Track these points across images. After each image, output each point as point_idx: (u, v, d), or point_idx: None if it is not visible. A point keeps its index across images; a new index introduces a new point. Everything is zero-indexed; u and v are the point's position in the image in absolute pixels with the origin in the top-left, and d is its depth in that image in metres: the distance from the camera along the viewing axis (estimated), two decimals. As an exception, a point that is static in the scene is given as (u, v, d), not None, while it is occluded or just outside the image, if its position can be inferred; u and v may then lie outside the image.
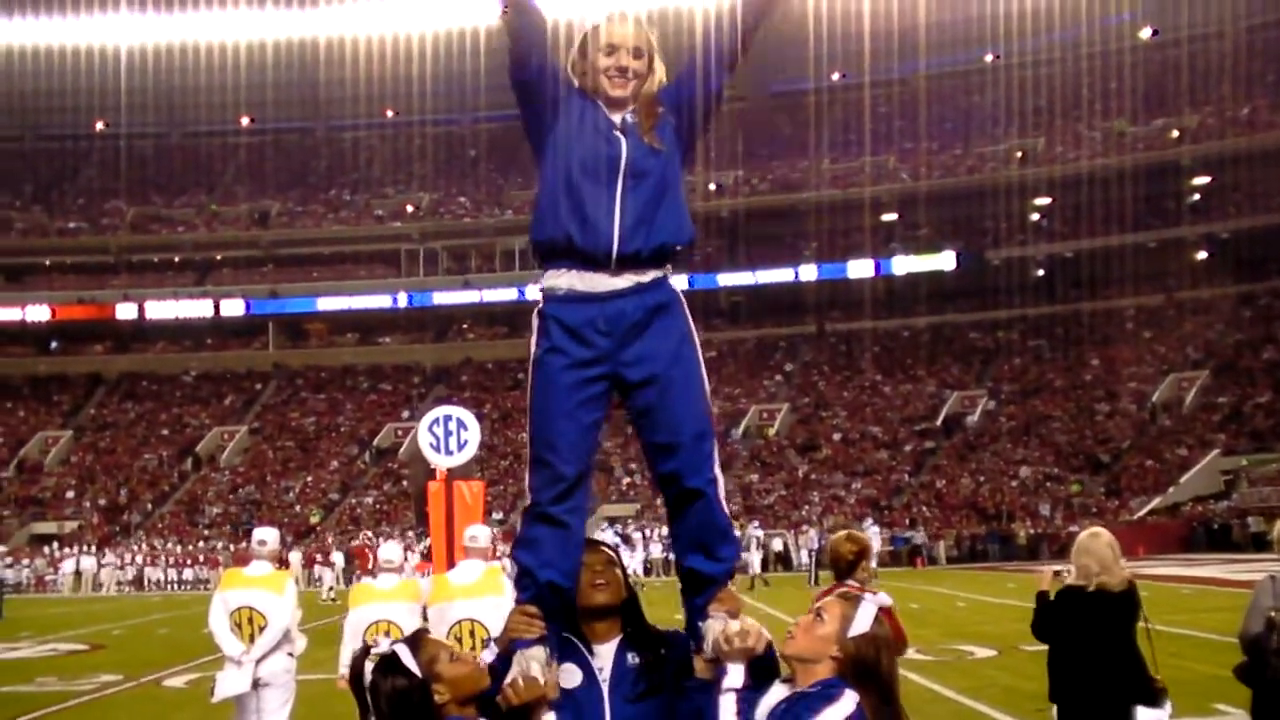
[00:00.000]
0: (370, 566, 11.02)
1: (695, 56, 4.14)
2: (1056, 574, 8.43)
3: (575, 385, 3.96)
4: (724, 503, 4.10)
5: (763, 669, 3.84)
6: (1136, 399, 63.52)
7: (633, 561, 40.03)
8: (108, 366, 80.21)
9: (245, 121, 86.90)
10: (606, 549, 4.23)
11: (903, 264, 72.07)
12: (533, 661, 3.82)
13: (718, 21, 4.14)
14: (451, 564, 11.13)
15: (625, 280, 3.99)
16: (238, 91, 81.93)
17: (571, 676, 4.00)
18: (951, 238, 72.20)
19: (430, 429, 12.56)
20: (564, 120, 4.07)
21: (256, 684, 10.45)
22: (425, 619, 9.97)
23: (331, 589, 44.38)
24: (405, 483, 63.05)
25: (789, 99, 72.98)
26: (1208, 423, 60.17)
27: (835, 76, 75.31)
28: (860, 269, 72.06)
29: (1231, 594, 23.78)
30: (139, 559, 59.42)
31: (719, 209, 73.56)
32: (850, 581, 8.06)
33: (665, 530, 38.60)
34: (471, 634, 9.35)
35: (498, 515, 53.42)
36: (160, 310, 77.82)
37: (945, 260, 71.23)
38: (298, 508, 66.62)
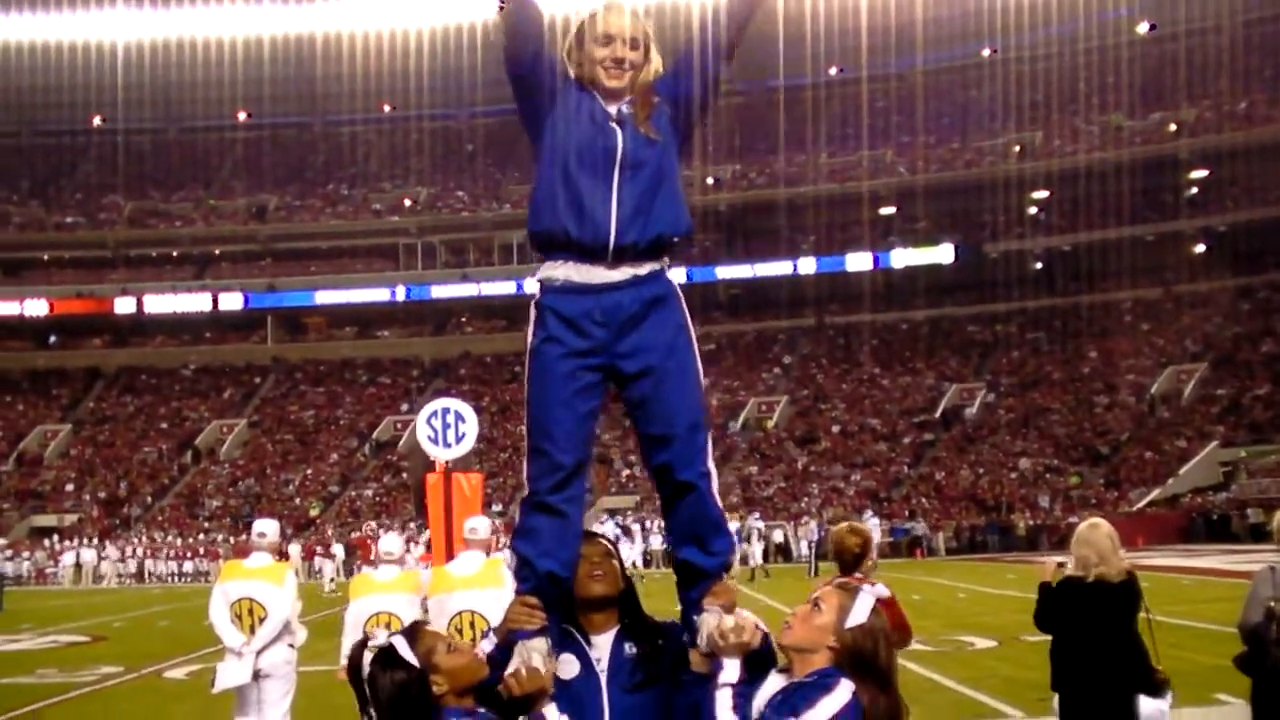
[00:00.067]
0: (373, 558, 11.04)
1: (691, 46, 4.13)
2: (1059, 565, 8.44)
3: (571, 374, 3.97)
4: (717, 496, 4.10)
5: (759, 662, 3.86)
6: (1135, 391, 63.55)
7: (632, 553, 40.04)
8: (106, 360, 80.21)
9: (242, 116, 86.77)
10: (604, 540, 4.23)
11: (901, 257, 72.09)
12: (534, 653, 3.83)
13: (714, 11, 4.13)
14: (451, 555, 11.14)
15: (622, 273, 3.99)
16: (235, 86, 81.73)
17: (569, 667, 4.01)
18: (950, 231, 72.21)
19: (428, 421, 12.56)
20: (560, 112, 4.06)
21: (257, 675, 10.47)
22: (426, 611, 9.99)
23: (333, 580, 44.39)
24: (405, 475, 63.06)
25: (787, 93, 72.90)
26: (1206, 415, 60.23)
27: (833, 71, 75.25)
28: (859, 262, 72.07)
29: (1231, 584, 23.79)
30: (139, 551, 59.46)
31: (717, 203, 73.58)
32: (857, 574, 8.09)
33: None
34: (472, 625, 9.35)
35: (497, 507, 53.43)
36: (158, 304, 77.80)
37: (943, 253, 71.22)
38: (297, 500, 66.66)
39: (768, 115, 75.40)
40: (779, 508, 58.73)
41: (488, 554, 10.20)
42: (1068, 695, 8.16)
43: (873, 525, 43.75)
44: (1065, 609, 8.16)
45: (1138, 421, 62.07)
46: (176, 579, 56.87)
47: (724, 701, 3.71)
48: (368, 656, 3.78)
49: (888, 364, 71.49)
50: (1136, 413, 62.69)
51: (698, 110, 4.19)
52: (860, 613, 3.64)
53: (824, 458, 64.77)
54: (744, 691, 3.72)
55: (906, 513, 57.47)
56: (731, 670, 3.77)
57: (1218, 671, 11.25)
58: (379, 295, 78.06)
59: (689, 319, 4.11)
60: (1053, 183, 69.39)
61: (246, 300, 77.74)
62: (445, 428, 12.45)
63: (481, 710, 3.78)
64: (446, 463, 12.38)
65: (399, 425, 68.50)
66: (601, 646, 4.09)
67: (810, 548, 46.18)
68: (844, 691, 3.53)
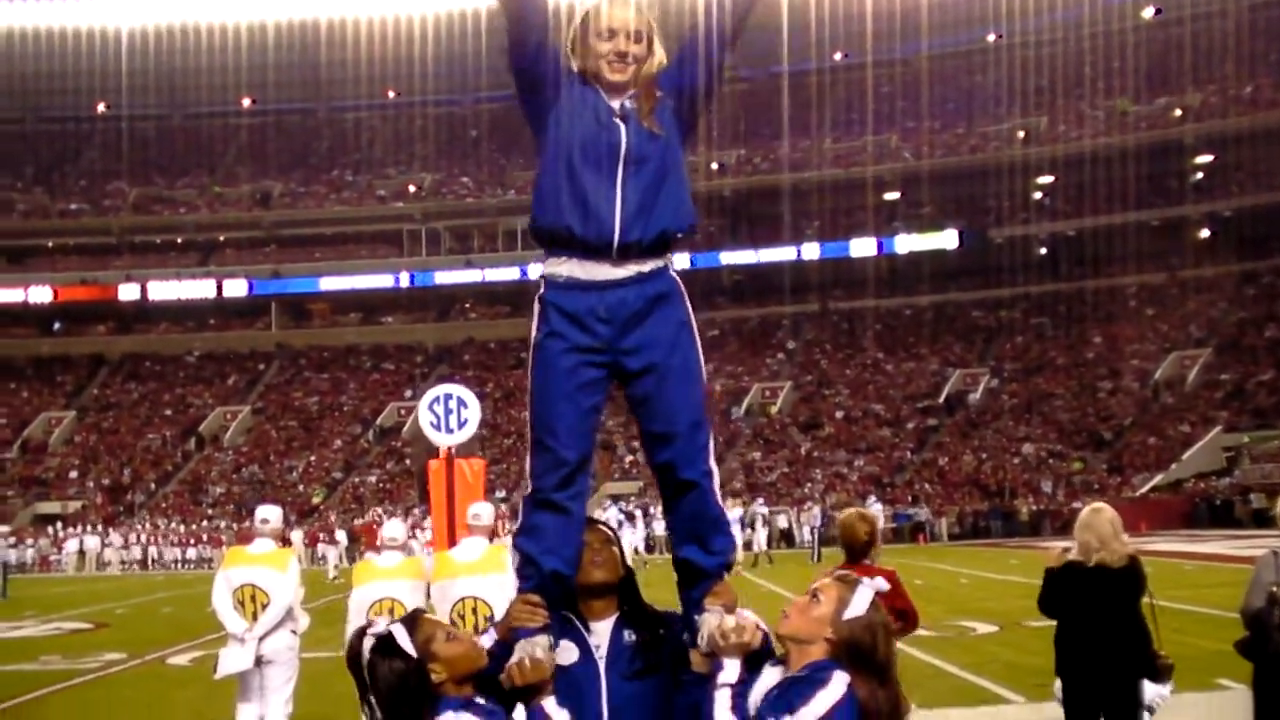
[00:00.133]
0: (379, 544, 11.17)
1: (694, 38, 4.11)
2: (1064, 551, 8.43)
3: (575, 369, 3.96)
4: (719, 495, 4.10)
5: (758, 660, 3.85)
6: (1139, 377, 63.51)
7: (635, 538, 40.04)
8: (111, 347, 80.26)
9: (247, 103, 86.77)
10: (603, 527, 4.23)
11: (905, 243, 72.05)
12: (536, 647, 3.83)
13: (716, 2, 4.10)
14: (453, 542, 11.15)
15: (627, 270, 3.98)
16: (239, 73, 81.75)
17: (568, 653, 4.01)
18: (954, 216, 72.16)
19: (430, 407, 12.56)
20: (564, 106, 4.04)
21: (259, 661, 10.49)
22: (429, 597, 10.00)
23: (336, 567, 44.44)
24: (408, 461, 63.12)
25: (791, 78, 72.82)
26: (1210, 400, 60.21)
27: (837, 56, 75.16)
28: (863, 248, 72.06)
29: (1233, 570, 23.78)
30: (143, 538, 59.54)
31: (721, 188, 73.53)
32: (865, 561, 8.11)
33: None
34: (474, 611, 9.37)
35: (500, 494, 53.48)
36: (163, 291, 77.83)
37: (948, 239, 71.19)
38: (301, 487, 66.71)
39: (772, 100, 75.30)
40: (782, 493, 58.77)
41: (491, 540, 10.22)
42: (1071, 680, 8.16)
43: (876, 511, 43.80)
44: (1067, 594, 8.16)
45: (1141, 407, 62.06)
46: (180, 566, 56.94)
47: (723, 702, 3.69)
48: (367, 644, 3.78)
49: (891, 349, 71.48)
50: (1140, 398, 62.67)
51: (701, 102, 4.17)
52: (859, 605, 3.62)
53: (827, 443, 64.79)
54: (743, 691, 3.71)
55: (910, 498, 57.49)
56: (731, 670, 3.76)
57: (1220, 657, 11.25)
58: (383, 281, 78.07)
59: (692, 316, 4.10)
60: (1057, 168, 69.34)
61: (251, 287, 77.77)
62: (448, 414, 12.44)
63: (480, 700, 3.79)
64: (449, 449, 12.38)
65: (403, 411, 68.53)
66: (600, 633, 4.09)
67: (813, 533, 46.19)
68: (839, 685, 3.51)
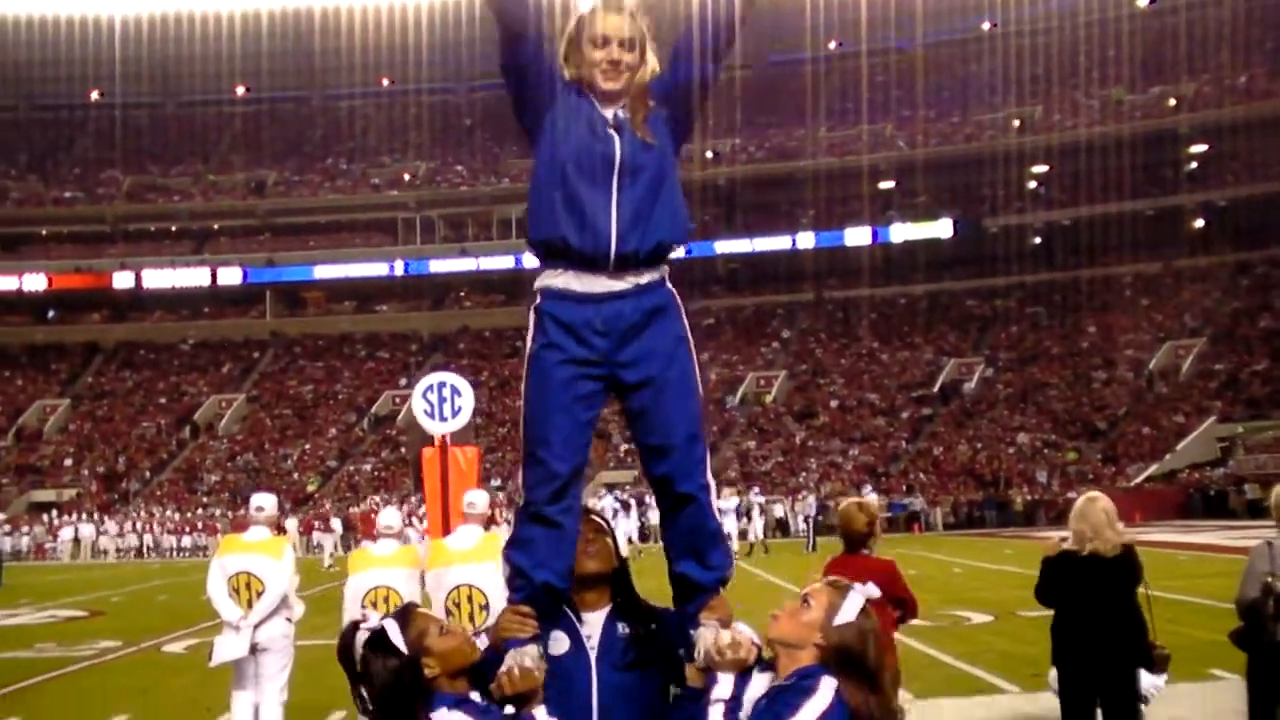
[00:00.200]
0: (376, 533, 11.15)
1: (687, 46, 4.08)
2: (1062, 541, 8.44)
3: (571, 380, 3.94)
4: (716, 509, 4.08)
5: (748, 668, 3.86)
6: (1133, 366, 63.56)
7: (629, 526, 40.05)
8: (105, 335, 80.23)
9: (241, 91, 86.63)
10: (597, 518, 4.24)
11: (900, 232, 72.08)
12: (526, 657, 3.83)
13: (708, 11, 4.06)
14: (447, 529, 11.16)
15: (624, 282, 3.96)
16: (233, 61, 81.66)
17: (559, 643, 4.02)
18: (949, 205, 72.18)
19: (424, 396, 12.56)
20: (558, 116, 4.02)
21: (254, 649, 10.50)
22: (424, 585, 10.00)
23: (331, 556, 44.46)
24: (403, 450, 63.08)
25: (786, 67, 72.84)
26: (1204, 390, 60.25)
27: (832, 45, 75.16)
28: (858, 237, 72.05)
29: (1228, 560, 23.83)
30: (138, 526, 59.53)
31: (716, 177, 73.50)
32: (864, 551, 8.13)
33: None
34: (469, 599, 9.37)
35: (496, 482, 53.49)
36: (157, 279, 77.79)
37: (943, 228, 71.23)
38: (295, 475, 66.69)
39: (767, 89, 75.35)
40: (777, 482, 58.76)
41: (486, 528, 10.22)
42: (1067, 670, 8.17)
43: (872, 500, 43.84)
44: (1061, 583, 8.17)
45: (1136, 397, 62.10)
46: (175, 553, 56.94)
47: (716, 717, 3.69)
48: (360, 639, 3.79)
49: (886, 339, 71.51)
50: (1134, 388, 62.72)
51: (695, 112, 4.15)
52: (849, 611, 3.61)
53: (822, 432, 64.81)
54: (735, 707, 3.70)
55: (904, 488, 57.48)
56: (725, 685, 3.74)
57: (1214, 647, 11.27)
58: (377, 270, 78.08)
59: (688, 329, 4.09)
60: (1052, 157, 69.31)
61: (245, 275, 77.74)
62: (441, 402, 12.45)
63: (475, 696, 3.79)
64: (444, 437, 12.38)
65: (397, 400, 68.52)
66: (593, 624, 4.10)
67: (808, 523, 46.18)
68: (826, 692, 3.51)
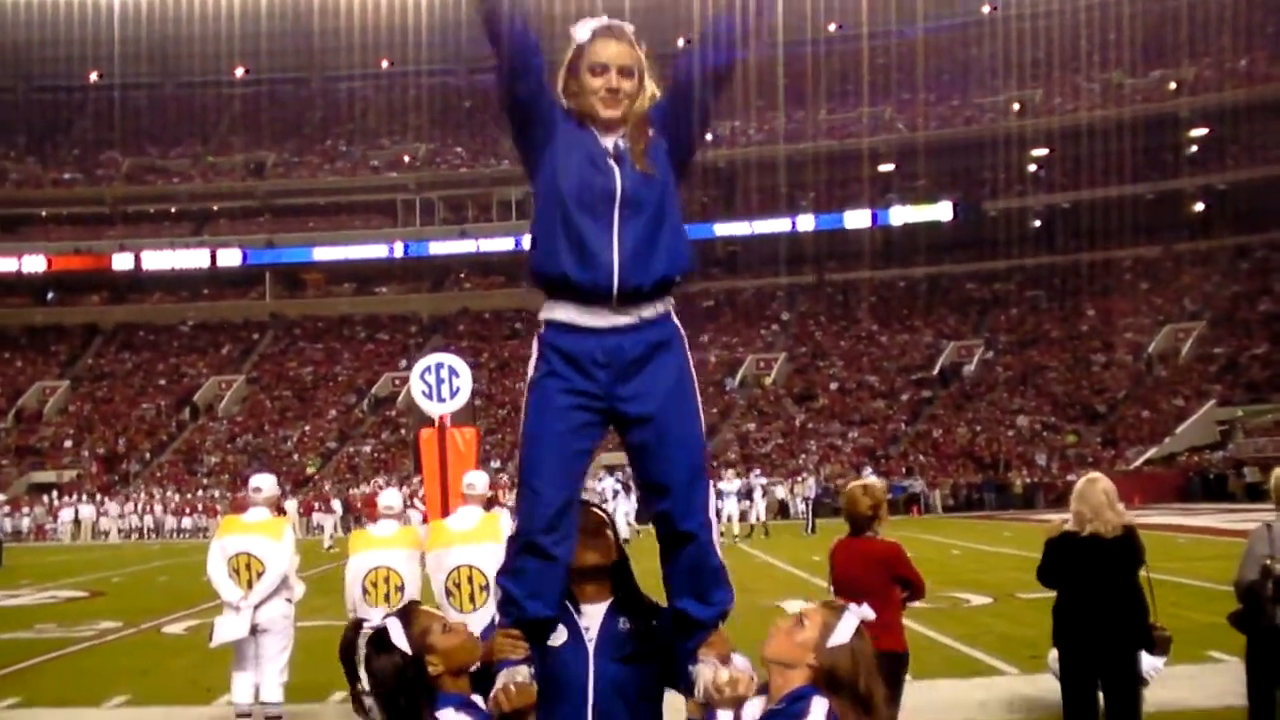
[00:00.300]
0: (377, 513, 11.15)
1: (686, 75, 4.03)
2: (1064, 522, 8.44)
3: (571, 409, 3.92)
4: (718, 546, 4.06)
5: None
6: (1133, 350, 63.57)
7: (629, 506, 40.05)
8: (104, 317, 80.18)
9: (240, 72, 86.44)
10: (598, 511, 4.23)
11: (900, 214, 72.03)
12: (518, 675, 3.85)
13: (708, 39, 4.01)
14: (446, 510, 11.16)
15: (627, 316, 3.93)
16: (232, 42, 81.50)
17: (556, 636, 4.03)
18: (949, 188, 72.12)
19: (422, 377, 12.55)
20: (559, 147, 3.99)
21: (255, 630, 10.52)
22: (424, 565, 10.02)
23: (332, 537, 44.50)
24: (403, 431, 63.13)
25: (786, 50, 72.61)
26: (1204, 373, 60.26)
27: (832, 28, 75.04)
28: (857, 219, 72.01)
29: (1227, 543, 23.85)
30: (138, 507, 59.58)
31: (716, 159, 73.37)
32: (868, 534, 8.14)
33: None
34: (470, 580, 9.40)
35: (495, 464, 53.49)
36: (157, 261, 77.71)
37: (943, 211, 71.18)
38: (295, 457, 66.71)
39: (767, 72, 75.21)
40: (776, 465, 58.78)
41: (487, 509, 10.24)
42: (1068, 651, 8.16)
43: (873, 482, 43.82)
44: (1061, 564, 8.16)
45: (1135, 380, 62.12)
46: (175, 535, 56.99)
47: None
48: (362, 639, 3.81)
49: (886, 321, 71.50)
50: (1134, 371, 62.74)
51: (696, 141, 4.13)
52: (843, 633, 3.62)
53: (822, 415, 64.82)
54: None
55: (903, 470, 57.50)
56: None
57: (1212, 629, 11.28)
58: (377, 251, 78.00)
59: (691, 363, 4.06)
60: (1053, 140, 69.26)
61: (245, 257, 77.68)
62: (439, 383, 12.44)
63: (478, 699, 3.81)
64: (443, 418, 12.38)
65: (397, 382, 68.47)
66: (592, 617, 4.10)
67: (807, 505, 46.19)
68: (818, 714, 3.52)
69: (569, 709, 3.99)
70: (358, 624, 3.89)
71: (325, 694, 12.31)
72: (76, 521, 57.73)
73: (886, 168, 73.54)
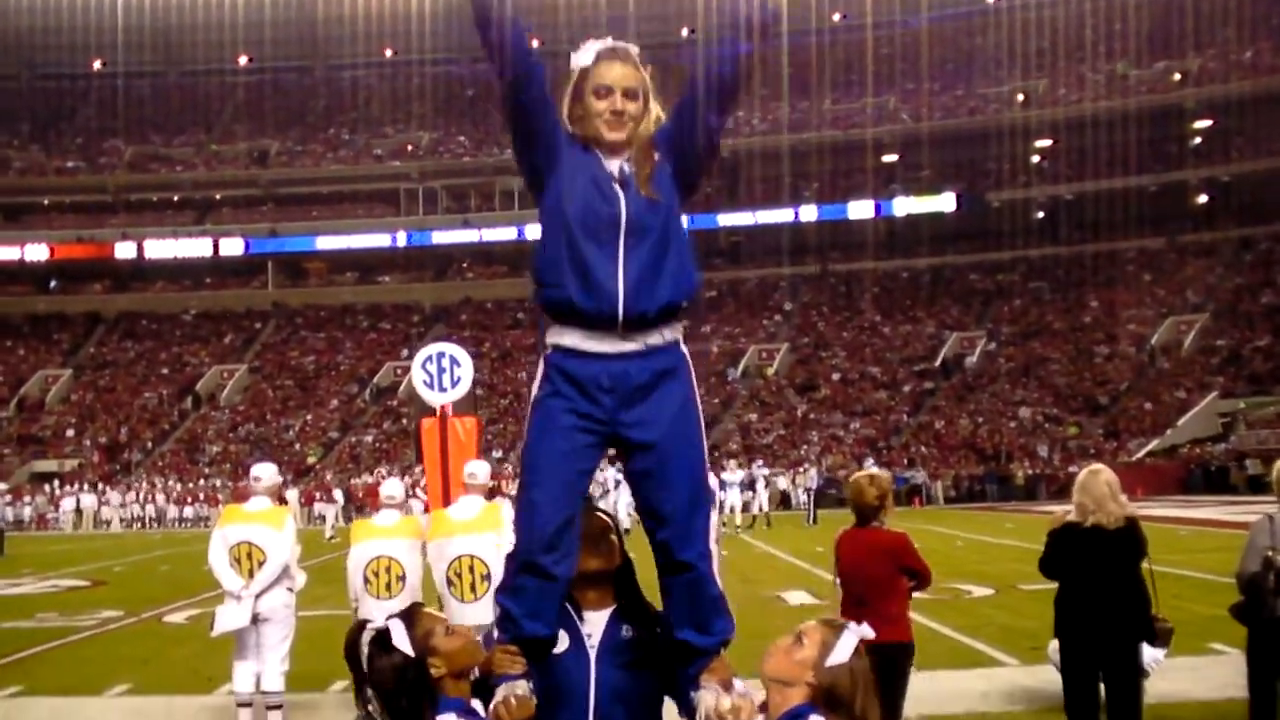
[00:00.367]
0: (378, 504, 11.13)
1: (692, 98, 4.00)
2: (1067, 514, 8.42)
3: (574, 430, 3.91)
4: (718, 575, 4.04)
5: None
6: (1135, 341, 63.53)
7: (629, 496, 40.13)
8: (107, 305, 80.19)
9: (243, 61, 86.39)
10: (603, 515, 4.22)
11: (903, 205, 71.98)
12: (517, 688, 3.84)
13: (713, 62, 3.97)
14: (447, 500, 11.16)
15: (633, 343, 3.92)
16: (235, 30, 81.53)
17: (559, 642, 4.02)
18: (952, 179, 72.08)
19: (423, 366, 12.54)
20: (563, 172, 3.97)
21: (256, 619, 10.50)
22: (425, 555, 10.02)
23: (333, 527, 44.53)
24: (405, 421, 63.16)
25: (790, 40, 72.47)
26: (1206, 365, 60.25)
27: (836, 17, 74.94)
28: (861, 210, 72.00)
29: (1228, 535, 23.86)
30: (140, 496, 59.62)
31: (719, 149, 73.22)
32: (874, 524, 8.14)
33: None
34: (471, 569, 9.41)
35: (497, 454, 53.51)
36: (159, 249, 77.74)
37: (946, 202, 71.12)
38: (297, 446, 66.74)
39: (771, 62, 75.03)
40: (778, 455, 58.80)
41: (488, 498, 10.24)
42: (1070, 642, 8.15)
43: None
44: (1063, 556, 8.15)
45: (1137, 372, 62.10)
46: (177, 524, 57.01)
47: None
48: (365, 639, 3.80)
49: (889, 312, 71.47)
50: (1136, 363, 62.70)
51: (702, 163, 4.11)
52: (842, 652, 3.60)
53: (824, 405, 64.82)
54: None
55: (905, 461, 57.52)
56: None
57: (1214, 621, 11.28)
58: (380, 241, 78.00)
59: (696, 390, 4.05)
60: (1057, 131, 69.23)
61: (247, 245, 77.66)
62: (441, 372, 12.43)
63: (478, 706, 3.81)
64: (444, 407, 12.37)
65: (399, 371, 68.47)
66: (594, 623, 4.09)
67: (809, 495, 46.20)
68: None
69: (570, 716, 3.98)
70: (361, 624, 3.89)
71: (326, 683, 12.33)
72: (78, 510, 57.76)
73: (890, 158, 73.52)
